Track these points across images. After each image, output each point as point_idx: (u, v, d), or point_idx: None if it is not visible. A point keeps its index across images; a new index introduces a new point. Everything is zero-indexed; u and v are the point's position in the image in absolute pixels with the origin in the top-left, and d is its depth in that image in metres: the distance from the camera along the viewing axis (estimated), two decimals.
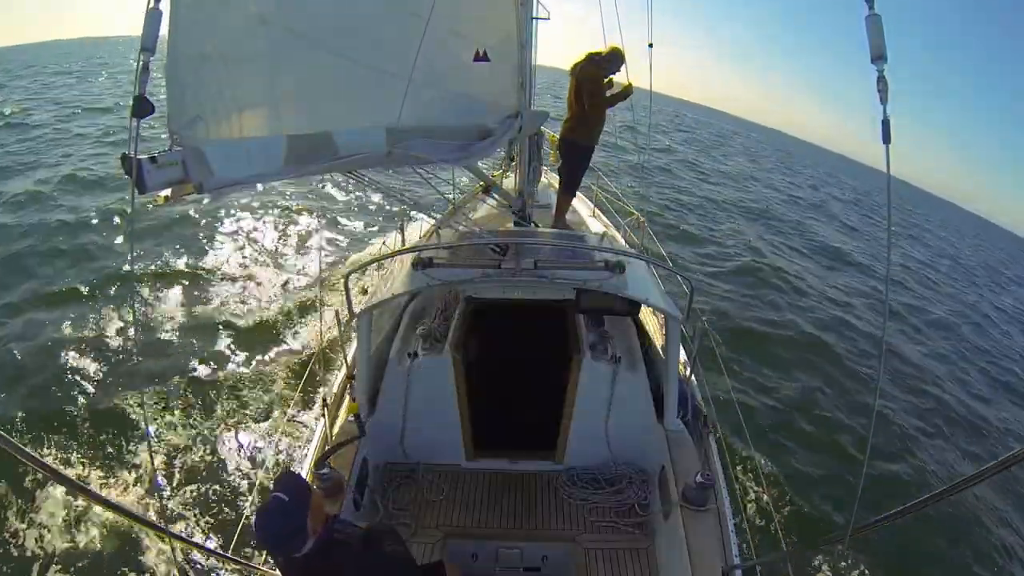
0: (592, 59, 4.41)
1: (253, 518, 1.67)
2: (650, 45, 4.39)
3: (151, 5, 1.45)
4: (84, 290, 7.14)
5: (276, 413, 5.23)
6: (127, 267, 7.75)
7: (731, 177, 25.24)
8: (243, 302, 7.31)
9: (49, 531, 3.89)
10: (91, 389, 5.37)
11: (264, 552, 3.67)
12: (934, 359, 10.02)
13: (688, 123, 57.24)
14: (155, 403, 5.22)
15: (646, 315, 3.89)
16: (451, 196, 4.92)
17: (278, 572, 2.19)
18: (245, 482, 4.47)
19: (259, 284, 7.87)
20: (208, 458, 4.70)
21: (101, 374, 5.63)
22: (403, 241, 4.82)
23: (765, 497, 4.62)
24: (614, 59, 4.39)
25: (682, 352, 3.26)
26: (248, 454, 4.77)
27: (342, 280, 3.31)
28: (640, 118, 4.69)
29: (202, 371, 5.81)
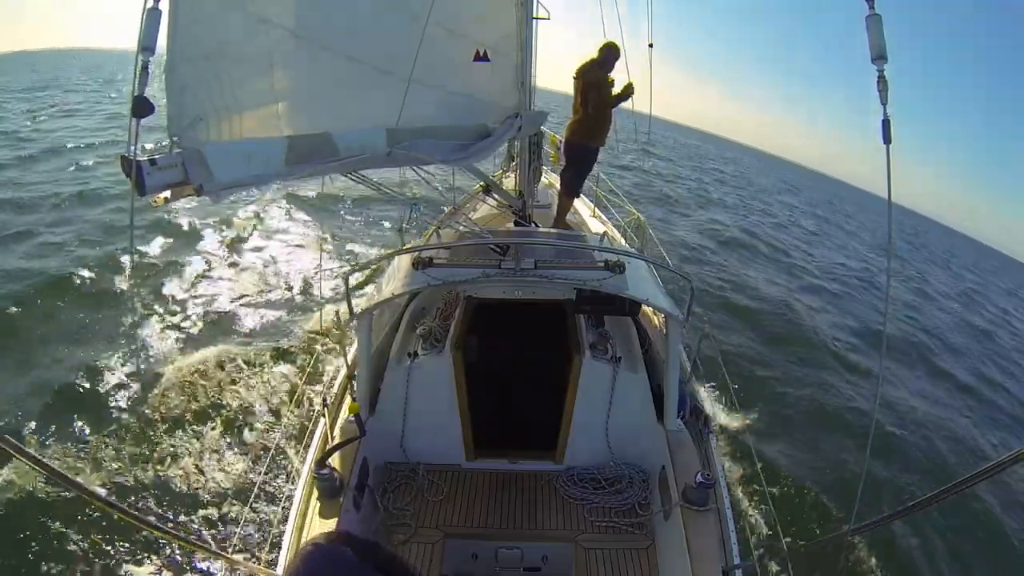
0: (595, 62, 4.46)
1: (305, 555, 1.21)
2: (650, 45, 4.40)
3: (150, 5, 1.45)
4: (81, 288, 7.14)
5: (277, 413, 5.23)
6: (127, 269, 7.74)
7: None
8: (243, 302, 7.30)
9: (49, 531, 3.89)
10: (91, 389, 5.37)
11: (264, 552, 3.69)
12: (937, 360, 10.03)
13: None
14: (155, 403, 5.21)
15: (646, 315, 3.89)
16: (451, 196, 4.92)
17: (279, 571, 2.20)
18: (245, 482, 4.47)
19: (259, 284, 7.86)
20: (208, 458, 4.69)
21: (101, 374, 5.62)
22: (403, 241, 4.82)
23: (765, 497, 4.61)
24: (608, 56, 4.43)
25: (682, 352, 3.26)
26: (249, 454, 4.77)
27: (342, 280, 3.31)
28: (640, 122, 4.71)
29: (203, 371, 5.79)
